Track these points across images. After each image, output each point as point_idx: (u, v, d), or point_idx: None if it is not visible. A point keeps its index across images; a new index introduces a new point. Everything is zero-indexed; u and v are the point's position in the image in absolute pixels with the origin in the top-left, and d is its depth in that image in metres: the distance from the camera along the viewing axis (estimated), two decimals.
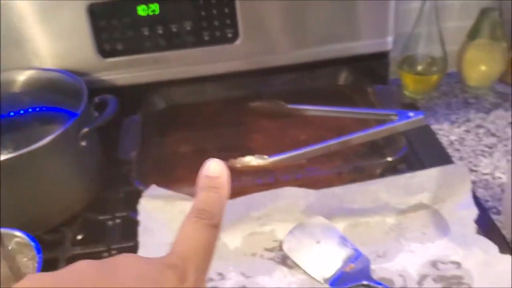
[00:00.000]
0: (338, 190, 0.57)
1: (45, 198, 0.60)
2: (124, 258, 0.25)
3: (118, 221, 0.63)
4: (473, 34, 0.81)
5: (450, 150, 0.72)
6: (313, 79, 0.78)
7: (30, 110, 0.68)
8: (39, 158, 0.56)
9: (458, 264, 0.53)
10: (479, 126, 0.77)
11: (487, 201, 0.63)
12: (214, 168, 0.29)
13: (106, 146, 0.68)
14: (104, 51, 0.71)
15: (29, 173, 0.57)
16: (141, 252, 0.51)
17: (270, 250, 0.57)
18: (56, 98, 0.66)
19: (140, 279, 0.24)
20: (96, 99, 0.65)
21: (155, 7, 0.69)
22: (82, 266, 0.24)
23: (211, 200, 0.28)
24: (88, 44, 0.70)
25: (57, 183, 0.60)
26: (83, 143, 0.60)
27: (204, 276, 0.26)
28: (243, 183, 0.61)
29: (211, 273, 0.55)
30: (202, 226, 0.27)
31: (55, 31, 0.69)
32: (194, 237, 0.27)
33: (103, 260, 0.25)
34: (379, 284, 0.50)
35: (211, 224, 0.28)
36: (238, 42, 0.73)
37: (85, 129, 0.59)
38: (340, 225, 0.58)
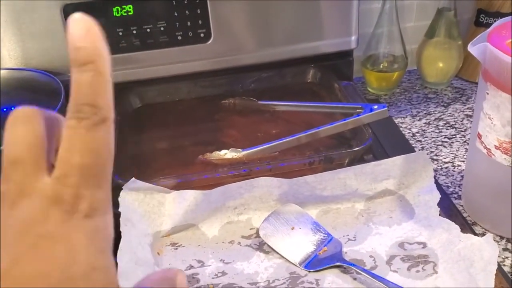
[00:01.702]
0: (310, 178, 0.60)
1: None
2: (10, 206, 0.21)
3: None
4: (430, 33, 0.86)
5: (412, 142, 0.76)
6: (282, 77, 0.81)
7: (5, 109, 0.69)
8: None
9: (423, 244, 0.56)
10: (438, 119, 0.81)
11: (448, 187, 0.67)
12: (79, 31, 0.21)
13: None
14: None
15: None
16: (123, 242, 0.53)
17: (247, 237, 0.59)
18: (32, 98, 0.67)
19: (22, 233, 0.20)
20: None
21: (129, 8, 0.71)
22: None
23: (88, 87, 0.21)
24: (63, 44, 0.72)
25: None
26: None
27: (104, 194, 0.22)
28: (219, 175, 0.63)
29: (191, 260, 0.57)
30: (84, 129, 0.21)
31: (30, 32, 0.70)
32: (80, 147, 0.21)
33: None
34: (352, 265, 0.54)
35: (97, 122, 0.21)
36: (210, 42, 0.76)
37: None
38: (313, 212, 0.61)
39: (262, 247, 0.58)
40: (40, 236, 0.20)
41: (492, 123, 0.52)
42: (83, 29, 0.21)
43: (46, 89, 0.66)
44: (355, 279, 0.53)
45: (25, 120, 0.23)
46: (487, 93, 0.52)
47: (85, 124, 0.21)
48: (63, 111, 0.61)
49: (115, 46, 0.73)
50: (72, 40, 0.21)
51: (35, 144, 0.22)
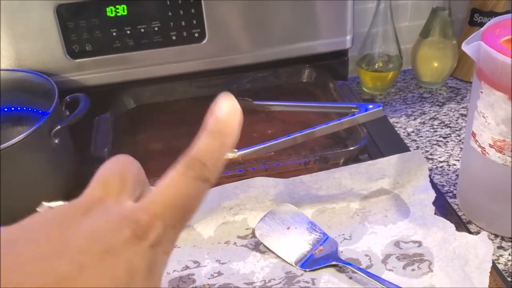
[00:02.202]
0: (305, 178, 0.60)
1: (18, 197, 0.60)
2: (83, 212, 0.22)
3: None
4: (425, 32, 0.86)
5: (407, 141, 0.76)
6: (278, 77, 0.81)
7: None
8: (11, 157, 0.57)
9: (419, 243, 0.57)
10: (433, 118, 0.81)
11: (443, 186, 0.68)
12: (226, 110, 0.24)
13: (78, 144, 0.69)
14: (73, 52, 0.72)
15: (2, 172, 0.57)
16: None
17: (243, 237, 0.59)
18: (26, 99, 0.67)
19: (91, 242, 0.21)
20: (67, 98, 0.66)
21: (122, 8, 0.71)
22: (37, 221, 0.22)
23: (209, 150, 0.24)
24: (57, 45, 0.71)
25: (30, 181, 0.61)
26: (56, 141, 0.61)
27: (174, 235, 0.23)
28: None
29: (187, 261, 0.57)
30: (188, 178, 0.23)
31: (23, 32, 0.70)
32: (175, 190, 0.23)
33: (61, 213, 0.22)
34: (347, 264, 0.54)
35: (201, 178, 0.23)
36: (205, 41, 0.75)
37: (57, 127, 0.60)
38: (308, 211, 0.61)
39: (258, 247, 0.58)
40: (107, 250, 0.21)
41: (486, 121, 0.52)
42: (229, 109, 0.25)
43: (40, 90, 0.66)
44: (351, 278, 0.53)
45: (120, 158, 0.26)
46: (481, 92, 0.52)
47: (192, 174, 0.23)
48: (56, 112, 0.61)
49: (109, 46, 0.73)
50: (216, 111, 0.24)
51: (125, 173, 0.24)
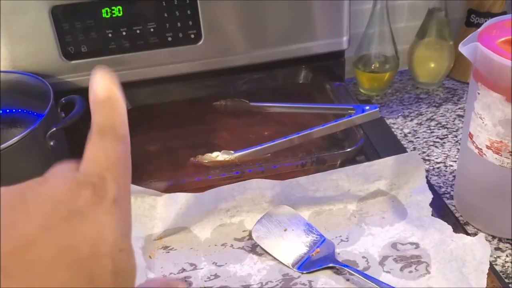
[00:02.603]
0: (302, 180, 0.60)
1: None
2: (41, 182, 0.23)
3: None
4: (421, 33, 0.86)
5: (404, 142, 0.76)
6: (274, 78, 0.81)
7: None
8: (7, 159, 0.57)
9: (416, 245, 0.56)
10: (430, 119, 0.81)
11: (440, 187, 0.67)
12: (102, 87, 0.26)
13: (73, 147, 0.69)
14: (68, 53, 0.72)
15: None
16: None
17: (240, 240, 0.59)
18: (21, 101, 0.67)
19: (56, 205, 0.22)
20: (63, 100, 0.66)
21: (118, 9, 0.70)
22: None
23: (110, 113, 0.26)
24: (52, 47, 0.71)
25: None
26: (51, 144, 0.61)
27: (125, 190, 0.25)
28: (211, 177, 0.63)
29: (183, 263, 0.56)
30: (109, 141, 0.25)
31: (18, 34, 0.69)
32: (104, 153, 0.25)
33: (18, 187, 0.23)
34: (344, 265, 0.53)
35: (118, 136, 0.26)
36: (201, 43, 0.75)
37: (53, 129, 0.60)
38: (305, 213, 0.61)
39: (255, 249, 0.58)
40: (72, 212, 0.22)
41: (483, 123, 0.52)
42: (105, 81, 0.26)
43: (35, 92, 0.66)
44: (348, 280, 0.53)
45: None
46: (478, 93, 0.52)
47: (109, 137, 0.25)
48: (52, 114, 0.61)
49: (105, 47, 0.73)
50: (95, 91, 0.26)
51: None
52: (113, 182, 0.24)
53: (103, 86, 0.26)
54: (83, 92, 0.70)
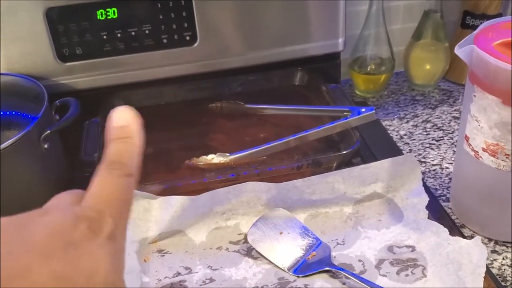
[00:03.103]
0: (298, 182, 0.60)
1: (7, 203, 0.60)
2: (40, 214, 0.24)
3: None
4: (417, 35, 0.86)
5: (400, 144, 0.76)
6: (270, 80, 0.81)
7: None
8: (1, 162, 0.56)
9: (412, 248, 0.56)
10: (426, 121, 0.81)
11: (436, 189, 0.67)
12: (121, 117, 0.28)
13: (68, 149, 0.68)
14: (63, 55, 0.72)
15: None
16: None
17: (235, 243, 0.59)
18: (15, 103, 0.66)
19: (54, 236, 0.23)
20: (57, 102, 0.65)
21: (113, 11, 0.70)
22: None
23: (122, 150, 0.27)
24: (47, 49, 0.70)
25: (19, 186, 0.60)
26: (45, 146, 0.60)
27: (122, 227, 0.26)
28: (206, 180, 0.63)
29: (178, 267, 0.56)
30: (114, 177, 0.26)
31: (12, 36, 0.69)
32: (107, 189, 0.26)
33: (18, 217, 0.24)
34: (340, 269, 0.53)
35: (124, 174, 0.27)
36: (196, 44, 0.75)
37: (47, 132, 0.60)
38: (301, 216, 0.61)
39: (250, 252, 0.57)
40: (68, 243, 0.23)
41: (479, 125, 0.52)
42: (125, 117, 0.28)
43: (30, 94, 0.65)
44: (344, 283, 0.53)
45: None
46: (474, 96, 0.51)
47: (116, 173, 0.27)
48: (46, 116, 0.60)
49: (100, 49, 0.72)
50: (113, 122, 0.28)
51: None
52: (110, 218, 0.25)
53: (122, 118, 0.28)
54: (78, 94, 0.70)
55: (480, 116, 0.51)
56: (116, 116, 0.28)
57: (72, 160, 0.68)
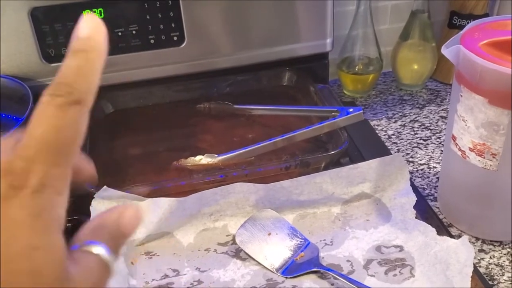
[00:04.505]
0: (286, 183, 0.60)
1: None
2: None
3: (69, 225, 0.63)
4: (404, 35, 0.86)
5: (388, 144, 0.76)
6: (258, 80, 0.81)
7: None
8: None
9: (400, 247, 0.56)
10: (414, 121, 0.82)
11: (424, 189, 0.68)
12: (85, 26, 0.23)
13: None
14: (48, 56, 0.71)
15: None
16: None
17: (223, 244, 0.58)
18: (1, 105, 0.65)
19: None
20: None
21: (99, 12, 0.69)
22: None
23: (73, 70, 0.22)
24: (32, 49, 0.70)
25: None
26: None
27: (62, 173, 0.22)
28: (194, 181, 0.62)
29: (166, 269, 0.55)
30: (55, 107, 0.21)
31: None
32: (45, 123, 0.21)
33: None
34: (329, 270, 0.53)
35: (70, 102, 0.21)
36: (184, 45, 0.74)
37: None
38: (289, 217, 0.61)
39: (238, 254, 0.57)
40: None
41: (466, 125, 0.52)
42: (90, 25, 0.23)
43: (14, 95, 0.65)
44: (332, 284, 0.53)
45: None
46: (461, 95, 0.52)
47: (58, 101, 0.21)
48: (31, 117, 0.59)
49: None
50: (76, 31, 0.23)
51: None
52: (39, 166, 0.21)
53: (88, 25, 0.23)
54: None
55: (467, 116, 0.52)
56: (80, 26, 0.23)
57: None
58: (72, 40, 0.23)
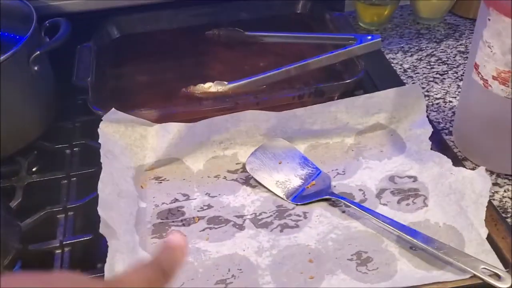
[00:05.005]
0: (299, 111, 0.58)
1: None
2: (62, 274, 0.27)
3: (76, 149, 0.62)
4: None
5: (403, 78, 0.74)
6: (270, 7, 0.77)
7: None
8: None
9: (414, 178, 0.55)
10: (430, 55, 0.79)
11: (439, 123, 0.66)
12: (175, 241, 0.31)
13: (59, 73, 0.65)
14: None
15: None
16: (104, 174, 0.51)
17: (233, 172, 0.57)
18: (3, 23, 0.62)
19: None
20: (47, 23, 0.62)
21: None
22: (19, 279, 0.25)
23: (171, 263, 0.30)
24: None
25: (9, 110, 0.57)
26: (35, 68, 0.57)
27: None
28: (203, 108, 0.60)
29: (176, 194, 0.55)
30: (152, 278, 0.28)
31: None
32: (140, 280, 0.28)
33: (40, 274, 0.25)
34: (340, 197, 0.52)
35: (163, 276, 0.29)
36: None
37: (36, 53, 0.57)
38: (301, 147, 0.59)
39: (248, 181, 0.56)
40: None
41: (491, 51, 0.50)
42: (180, 238, 0.31)
43: (18, 14, 0.62)
44: (343, 212, 0.52)
45: None
46: (489, 19, 0.49)
47: (154, 276, 0.29)
48: (35, 37, 0.57)
49: None
50: (169, 243, 0.31)
51: None
52: None
53: (178, 240, 0.31)
54: (69, 18, 0.66)
55: (493, 41, 0.49)
56: (170, 239, 0.31)
57: (63, 87, 0.65)
58: (163, 247, 0.30)
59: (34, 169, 0.60)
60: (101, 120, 0.55)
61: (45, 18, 0.63)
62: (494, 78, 0.51)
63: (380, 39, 0.62)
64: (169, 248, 0.30)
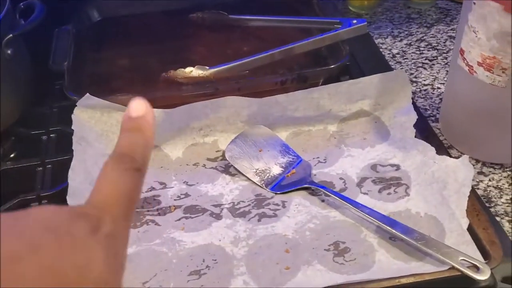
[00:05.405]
0: (281, 98, 0.56)
1: None
2: (36, 209, 0.23)
3: (52, 135, 0.60)
4: None
5: (392, 63, 0.72)
6: None
7: None
8: None
9: (397, 166, 0.54)
10: (420, 40, 0.77)
11: (426, 110, 0.64)
12: (137, 108, 0.27)
13: (36, 57, 0.64)
14: None
15: None
16: (76, 161, 0.49)
17: (213, 160, 0.56)
18: None
19: (48, 229, 0.22)
20: (21, 5, 0.60)
21: None
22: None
23: (133, 143, 0.26)
24: None
25: None
26: (8, 52, 0.56)
27: (125, 224, 0.25)
28: (183, 93, 0.59)
29: (152, 182, 0.54)
30: (121, 172, 0.25)
31: None
32: (112, 184, 0.25)
33: (15, 212, 0.23)
34: (320, 186, 0.51)
35: (133, 168, 0.26)
36: None
37: (9, 35, 0.55)
38: (283, 134, 0.58)
39: (228, 169, 0.55)
40: (62, 235, 0.22)
41: (476, 36, 0.48)
42: (140, 108, 0.27)
43: None
44: (323, 201, 0.51)
45: None
46: (474, 3, 0.47)
47: (123, 167, 0.25)
48: (8, 19, 0.55)
49: None
50: (129, 112, 0.27)
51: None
52: (110, 217, 0.24)
53: (139, 108, 0.27)
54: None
55: (478, 26, 0.47)
56: (132, 106, 0.27)
57: (39, 70, 0.63)
58: (124, 119, 0.27)
59: (11, 156, 0.59)
60: (75, 105, 0.54)
61: (20, 0, 0.62)
62: (479, 64, 0.49)
63: (365, 23, 0.60)
64: (131, 129, 0.27)
